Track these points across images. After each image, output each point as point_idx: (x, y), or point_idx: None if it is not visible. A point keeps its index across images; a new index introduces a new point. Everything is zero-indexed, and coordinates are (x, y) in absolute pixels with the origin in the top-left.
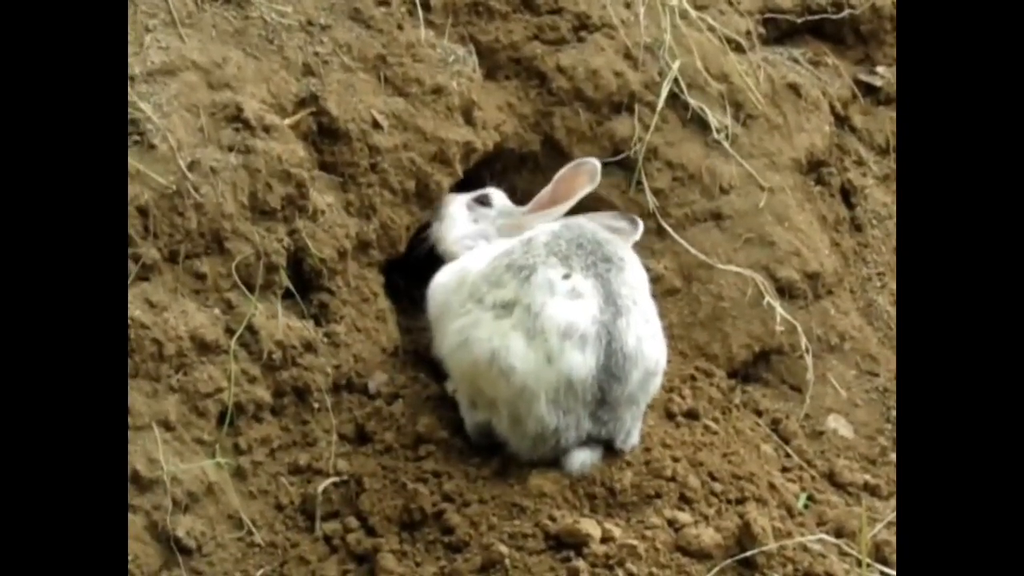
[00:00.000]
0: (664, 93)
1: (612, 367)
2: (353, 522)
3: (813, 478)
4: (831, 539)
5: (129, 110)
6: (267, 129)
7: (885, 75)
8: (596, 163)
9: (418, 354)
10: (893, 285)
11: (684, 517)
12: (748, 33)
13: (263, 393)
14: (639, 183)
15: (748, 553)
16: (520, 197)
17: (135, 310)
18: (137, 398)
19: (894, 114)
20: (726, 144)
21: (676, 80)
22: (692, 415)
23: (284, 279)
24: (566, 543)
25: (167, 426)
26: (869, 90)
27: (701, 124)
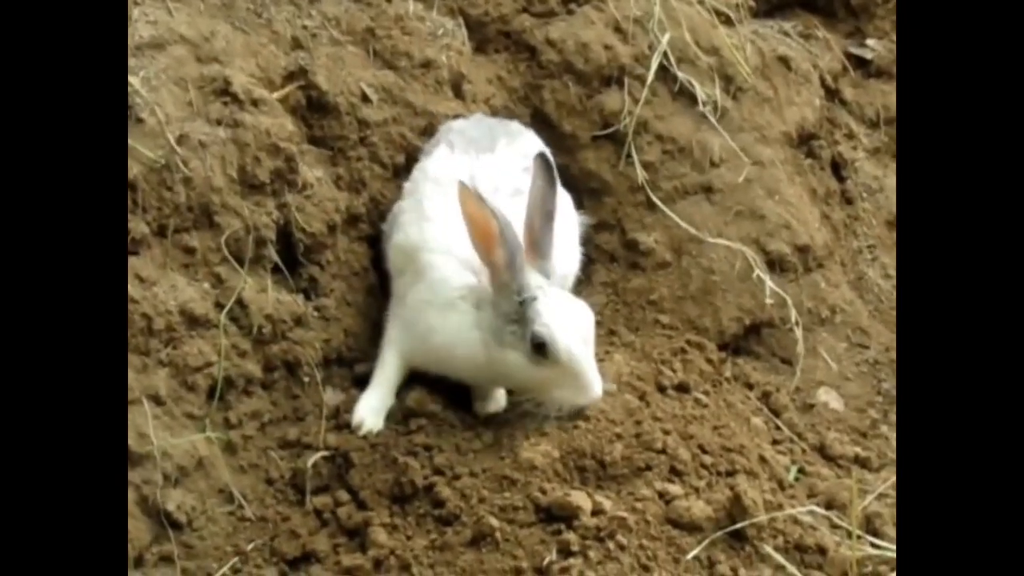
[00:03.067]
0: (654, 66)
1: None
2: (344, 496)
3: (804, 451)
4: (821, 511)
5: None
6: (256, 103)
7: (876, 48)
8: None
9: None
10: (884, 258)
11: (675, 489)
12: (738, 6)
13: (253, 367)
14: (629, 157)
15: (739, 525)
16: None
17: None
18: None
19: (885, 87)
20: (712, 118)
21: (666, 53)
22: (683, 388)
23: (273, 253)
24: (557, 516)
25: (157, 400)
26: (860, 63)
27: (691, 98)
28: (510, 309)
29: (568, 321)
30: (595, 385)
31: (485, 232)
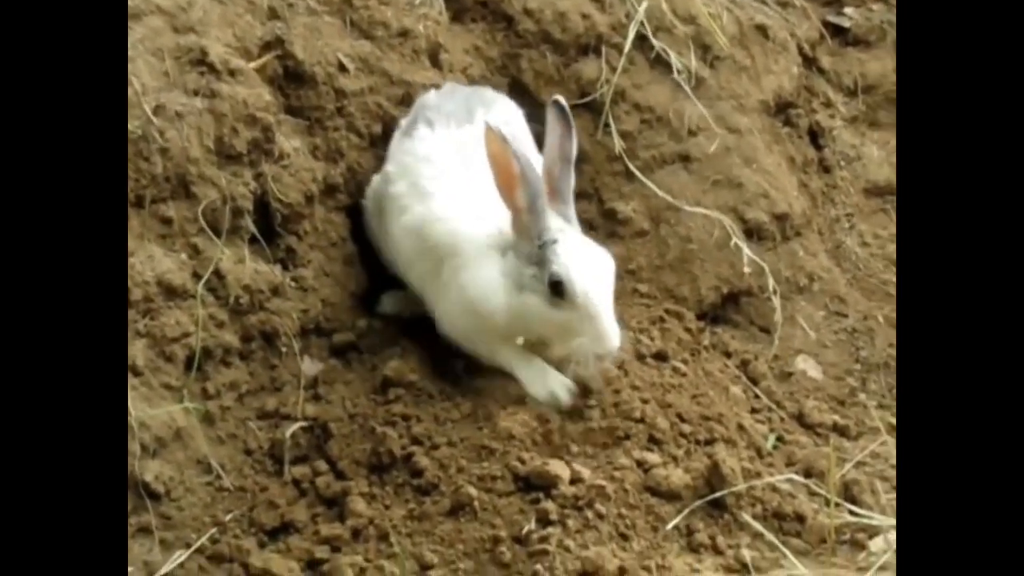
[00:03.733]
0: (631, 35)
1: None
2: (322, 466)
3: (782, 419)
4: (800, 479)
5: None
6: (232, 73)
7: (853, 16)
8: None
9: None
10: (861, 226)
11: (653, 458)
12: None
13: (231, 338)
14: (607, 126)
15: (717, 494)
16: None
17: None
18: None
19: (862, 55)
20: (687, 87)
21: (643, 22)
22: (661, 357)
23: (251, 223)
24: (535, 485)
25: (135, 371)
26: (837, 31)
27: (668, 67)
28: (531, 251)
29: (586, 264)
30: (612, 332)
31: (508, 174)
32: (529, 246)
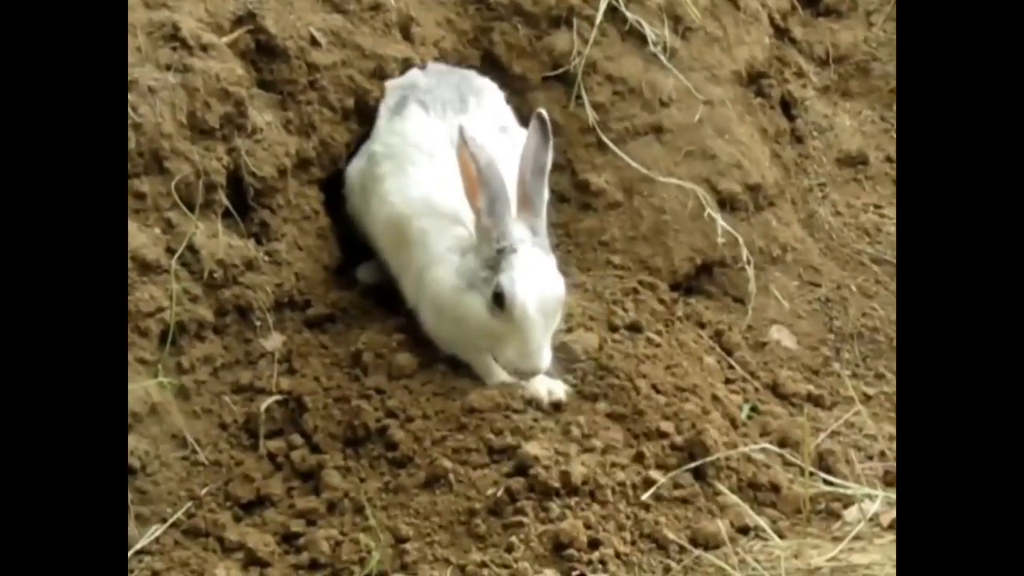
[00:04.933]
0: (603, 7)
1: None
2: (297, 439)
3: (756, 389)
4: (775, 449)
5: None
6: (205, 48)
7: None
8: None
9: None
10: (834, 196)
11: None
12: None
13: (205, 312)
14: (579, 98)
15: (693, 464)
16: None
17: None
18: None
19: (834, 25)
20: (663, 57)
21: None
22: (635, 328)
23: (224, 198)
24: (510, 457)
25: None
26: (809, 2)
27: (640, 38)
28: (488, 255)
29: (535, 284)
30: (538, 355)
31: (470, 175)
32: (488, 249)
